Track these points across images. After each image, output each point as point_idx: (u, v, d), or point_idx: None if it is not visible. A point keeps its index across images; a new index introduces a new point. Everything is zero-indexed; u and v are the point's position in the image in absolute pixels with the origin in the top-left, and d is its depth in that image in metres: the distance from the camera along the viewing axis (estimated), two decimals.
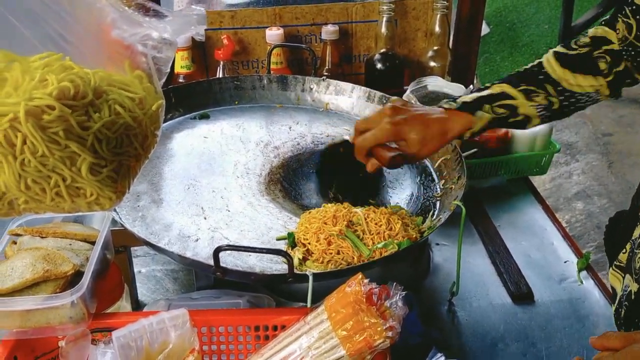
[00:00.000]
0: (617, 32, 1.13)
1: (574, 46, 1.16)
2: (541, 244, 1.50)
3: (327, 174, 1.36)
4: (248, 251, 1.07)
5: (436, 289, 1.37)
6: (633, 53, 1.12)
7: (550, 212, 1.61)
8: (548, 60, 1.17)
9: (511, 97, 1.14)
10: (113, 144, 0.74)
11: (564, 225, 3.22)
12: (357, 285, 0.96)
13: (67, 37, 0.76)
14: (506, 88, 1.15)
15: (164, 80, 0.81)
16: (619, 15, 1.13)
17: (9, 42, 0.75)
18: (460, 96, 1.19)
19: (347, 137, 1.33)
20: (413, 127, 1.12)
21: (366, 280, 0.97)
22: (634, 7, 1.10)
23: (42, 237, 1.06)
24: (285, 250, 1.16)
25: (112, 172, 0.75)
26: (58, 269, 0.97)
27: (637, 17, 1.09)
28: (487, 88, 1.17)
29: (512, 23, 5.26)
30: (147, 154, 0.82)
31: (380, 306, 0.97)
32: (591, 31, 1.17)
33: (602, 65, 1.14)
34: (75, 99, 0.72)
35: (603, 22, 1.17)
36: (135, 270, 1.36)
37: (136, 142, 0.78)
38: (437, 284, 1.38)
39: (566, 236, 1.52)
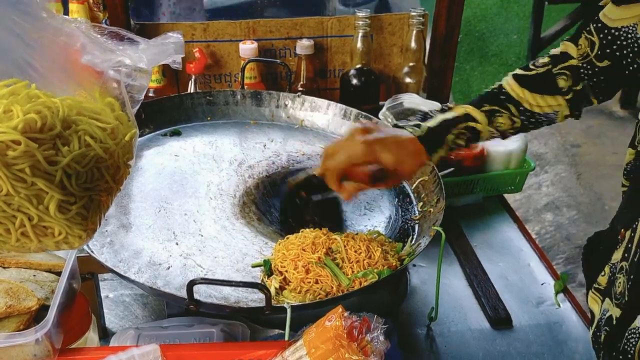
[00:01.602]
0: (579, 47, 1.14)
1: (532, 67, 1.18)
2: (518, 265, 1.49)
3: (296, 210, 1.29)
4: (224, 285, 1.03)
5: (414, 312, 1.34)
6: (591, 72, 1.13)
7: (525, 232, 1.61)
8: (507, 82, 1.18)
9: (475, 120, 1.14)
10: (83, 179, 0.70)
11: (534, 236, 3.25)
12: (337, 320, 0.92)
13: (32, 64, 0.71)
14: (469, 109, 1.15)
15: (137, 108, 0.77)
16: (583, 31, 1.14)
17: None
18: (424, 114, 1.18)
19: (310, 172, 1.25)
20: (386, 146, 1.09)
21: (346, 314, 0.94)
22: (599, 25, 1.10)
23: (4, 268, 1.00)
24: (261, 278, 1.13)
25: (82, 208, 0.70)
26: (21, 304, 0.91)
27: (601, 35, 1.10)
28: (450, 109, 1.17)
29: (482, 33, 5.31)
30: (120, 186, 0.77)
31: (361, 341, 0.93)
32: (552, 50, 1.19)
33: (562, 83, 1.15)
34: (42, 132, 0.67)
35: (566, 38, 1.18)
36: (103, 294, 1.30)
37: (107, 175, 0.73)
38: (414, 308, 1.35)
39: (542, 257, 1.51)
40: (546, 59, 1.17)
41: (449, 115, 1.16)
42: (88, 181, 0.70)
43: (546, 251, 3.13)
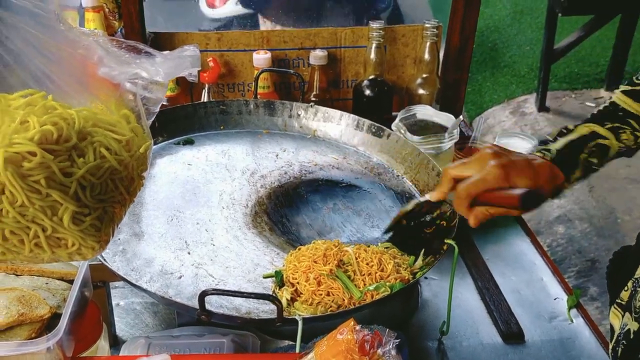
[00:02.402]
0: None
1: (638, 81, 1.17)
2: (530, 279, 1.47)
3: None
4: (235, 295, 1.03)
5: (425, 326, 1.33)
6: None
7: (538, 246, 1.59)
8: (620, 99, 1.17)
9: (603, 137, 1.13)
10: (97, 191, 0.70)
11: (545, 249, 3.23)
12: (349, 333, 0.92)
13: (49, 75, 0.72)
14: (594, 127, 1.14)
15: (152, 120, 0.77)
16: None
17: None
18: (545, 141, 1.16)
19: (426, 197, 1.20)
20: (522, 171, 1.04)
21: (358, 327, 0.93)
22: None
23: (17, 275, 1.00)
24: (272, 289, 1.12)
25: (95, 220, 0.70)
26: (33, 313, 0.92)
27: None
28: (570, 130, 1.15)
29: (494, 43, 5.30)
30: (133, 198, 0.77)
31: (373, 355, 0.93)
32: None
33: None
34: (58, 143, 0.67)
35: None
36: (114, 302, 1.31)
37: (122, 187, 0.73)
38: (426, 321, 1.34)
39: (555, 271, 1.50)
40: None
41: (572, 136, 1.13)
42: (102, 193, 0.70)
43: (557, 264, 3.11)
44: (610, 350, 1.17)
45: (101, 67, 0.72)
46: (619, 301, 1.18)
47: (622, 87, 1.19)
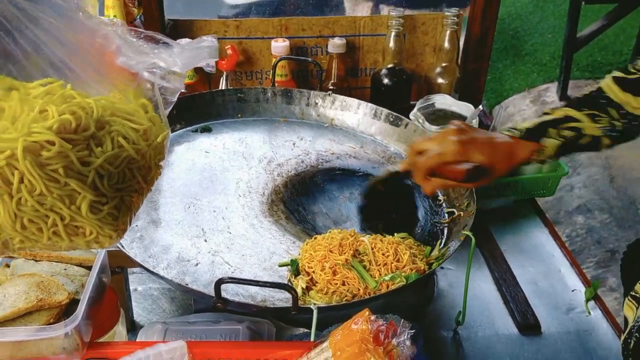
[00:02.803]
0: None
1: (633, 70, 1.16)
2: (548, 270, 1.46)
3: (373, 210, 1.31)
4: (251, 284, 1.03)
5: (441, 315, 1.33)
6: None
7: (557, 237, 1.58)
8: (608, 85, 1.16)
9: (575, 120, 1.14)
10: (115, 180, 0.70)
11: (564, 239, 3.20)
12: (363, 323, 0.92)
13: (68, 63, 0.72)
14: (569, 111, 1.15)
15: (170, 109, 0.77)
16: None
17: (9, 68, 0.71)
18: (515, 126, 1.18)
19: (394, 168, 1.28)
20: (480, 147, 1.10)
21: (373, 317, 0.93)
22: None
23: (36, 261, 1.02)
24: (288, 278, 1.13)
25: (113, 209, 0.70)
26: (52, 298, 0.93)
27: None
28: (547, 114, 1.17)
29: (516, 31, 5.23)
30: (150, 187, 0.78)
31: (387, 345, 0.93)
32: None
33: None
34: (76, 132, 0.68)
35: None
36: (132, 287, 1.32)
37: (139, 176, 0.74)
38: (442, 311, 1.34)
39: (574, 263, 1.49)
40: None
41: (546, 117, 1.16)
42: (120, 182, 0.71)
43: (576, 255, 3.08)
44: (621, 342, 1.16)
45: (119, 57, 0.72)
46: (633, 293, 1.17)
47: (615, 73, 1.18)
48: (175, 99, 0.76)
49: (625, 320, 1.18)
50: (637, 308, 1.14)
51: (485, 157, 1.09)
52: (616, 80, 1.16)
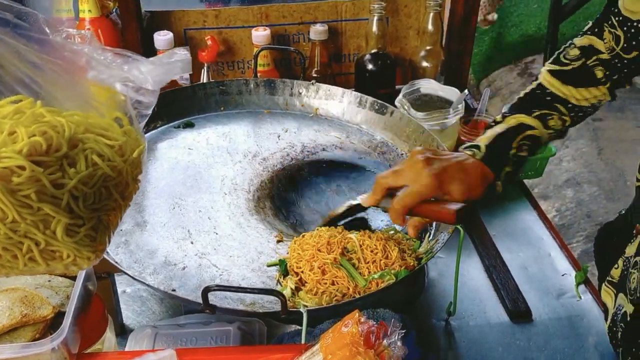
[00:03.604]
0: (605, 41, 1.11)
1: (566, 60, 1.14)
2: (538, 255, 1.46)
3: None
4: (238, 291, 1.02)
5: (432, 306, 1.33)
6: (620, 65, 1.10)
7: (546, 220, 1.57)
8: (548, 81, 1.14)
9: (531, 127, 1.12)
10: (91, 200, 0.68)
11: (554, 213, 3.21)
12: (353, 326, 0.91)
13: (37, 80, 0.69)
14: (521, 118, 1.12)
15: (144, 122, 0.75)
16: (605, 24, 1.10)
17: None
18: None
19: (356, 201, 1.18)
20: (454, 176, 1.05)
21: (363, 318, 0.92)
22: (620, 18, 1.07)
23: None
24: (277, 278, 1.12)
25: (90, 230, 0.68)
26: (36, 313, 0.91)
27: (625, 28, 1.06)
28: (499, 122, 1.14)
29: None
30: (129, 202, 0.76)
31: (378, 346, 0.92)
32: (577, 41, 1.15)
33: (599, 74, 1.12)
34: (47, 154, 0.66)
35: (588, 32, 1.15)
36: (120, 290, 1.30)
37: (116, 193, 0.72)
38: (433, 301, 1.34)
39: (563, 246, 1.48)
40: (576, 52, 1.13)
41: (500, 128, 1.12)
42: (96, 202, 0.69)
43: (566, 229, 3.09)
44: (607, 330, 1.16)
45: (90, 71, 0.70)
46: (610, 279, 1.17)
47: (548, 66, 1.16)
48: (149, 112, 0.74)
49: (605, 307, 1.18)
50: (615, 295, 1.14)
51: (463, 184, 1.05)
52: (553, 73, 1.14)
